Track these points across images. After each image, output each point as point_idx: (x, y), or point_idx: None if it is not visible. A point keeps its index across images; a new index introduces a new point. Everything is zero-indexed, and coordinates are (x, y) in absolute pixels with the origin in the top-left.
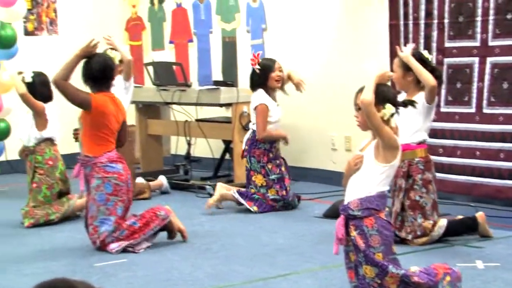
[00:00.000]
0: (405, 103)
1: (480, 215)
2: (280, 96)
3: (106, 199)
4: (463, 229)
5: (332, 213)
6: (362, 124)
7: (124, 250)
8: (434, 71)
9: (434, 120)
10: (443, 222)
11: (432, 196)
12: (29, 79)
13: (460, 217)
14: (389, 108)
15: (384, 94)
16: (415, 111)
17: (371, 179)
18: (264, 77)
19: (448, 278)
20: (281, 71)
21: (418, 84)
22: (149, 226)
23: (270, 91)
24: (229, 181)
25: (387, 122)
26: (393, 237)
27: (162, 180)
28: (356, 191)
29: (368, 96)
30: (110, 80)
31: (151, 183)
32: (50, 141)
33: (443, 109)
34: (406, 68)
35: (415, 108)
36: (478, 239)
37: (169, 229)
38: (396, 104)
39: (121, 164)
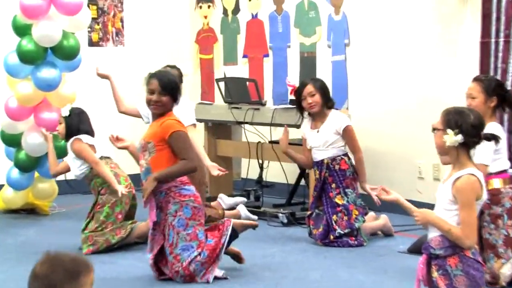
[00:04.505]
0: (488, 137)
1: None
2: (364, 119)
3: (185, 224)
4: None
5: (417, 249)
6: (437, 147)
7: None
8: (506, 98)
9: None
10: (506, 269)
11: (504, 232)
12: (66, 113)
13: None
14: (450, 135)
15: (457, 120)
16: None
17: (453, 215)
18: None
19: None
20: (313, 95)
21: (494, 111)
22: (221, 236)
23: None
24: (304, 209)
25: (465, 151)
26: (483, 277)
27: (240, 210)
28: None
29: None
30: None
31: (227, 212)
32: (105, 159)
33: None
34: (489, 93)
35: (497, 143)
36: None
37: (232, 253)
38: (477, 136)
39: (192, 186)
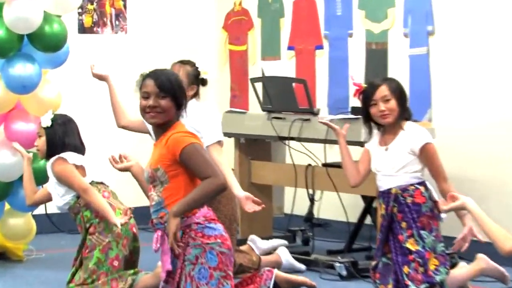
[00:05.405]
0: None
1: None
2: (452, 136)
3: (209, 276)
4: None
5: None
6: None
7: None
8: None
9: None
10: None
11: None
12: (47, 122)
13: None
14: None
15: None
16: None
17: None
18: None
19: None
20: (387, 100)
21: None
22: None
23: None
24: (370, 257)
25: None
26: None
27: (281, 254)
28: None
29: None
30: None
31: (264, 258)
32: (97, 184)
33: None
34: None
35: None
36: None
37: None
38: None
39: (220, 224)
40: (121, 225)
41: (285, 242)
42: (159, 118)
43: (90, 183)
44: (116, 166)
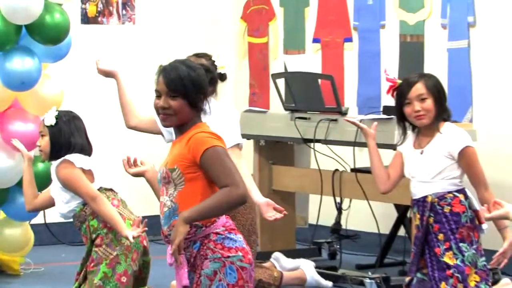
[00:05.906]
0: None
1: None
2: (496, 138)
3: None
4: None
5: None
6: None
7: None
8: None
9: None
10: None
11: None
12: (51, 121)
13: None
14: None
15: None
16: None
17: None
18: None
19: None
20: (423, 99)
21: None
22: None
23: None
24: (404, 272)
25: None
26: None
27: (306, 270)
28: None
29: None
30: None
31: (286, 274)
32: (105, 191)
33: None
34: None
35: None
36: None
37: None
38: None
39: (240, 234)
40: (133, 238)
41: (311, 262)
42: (171, 120)
43: (99, 190)
44: (129, 170)
